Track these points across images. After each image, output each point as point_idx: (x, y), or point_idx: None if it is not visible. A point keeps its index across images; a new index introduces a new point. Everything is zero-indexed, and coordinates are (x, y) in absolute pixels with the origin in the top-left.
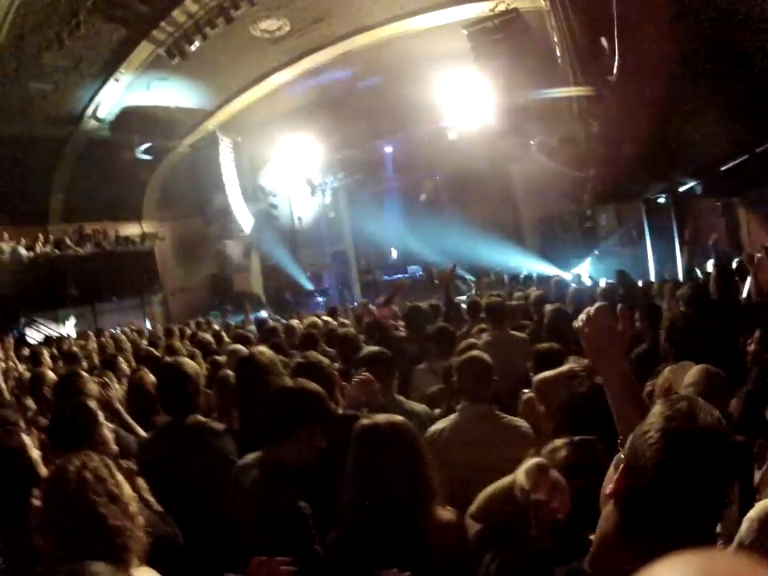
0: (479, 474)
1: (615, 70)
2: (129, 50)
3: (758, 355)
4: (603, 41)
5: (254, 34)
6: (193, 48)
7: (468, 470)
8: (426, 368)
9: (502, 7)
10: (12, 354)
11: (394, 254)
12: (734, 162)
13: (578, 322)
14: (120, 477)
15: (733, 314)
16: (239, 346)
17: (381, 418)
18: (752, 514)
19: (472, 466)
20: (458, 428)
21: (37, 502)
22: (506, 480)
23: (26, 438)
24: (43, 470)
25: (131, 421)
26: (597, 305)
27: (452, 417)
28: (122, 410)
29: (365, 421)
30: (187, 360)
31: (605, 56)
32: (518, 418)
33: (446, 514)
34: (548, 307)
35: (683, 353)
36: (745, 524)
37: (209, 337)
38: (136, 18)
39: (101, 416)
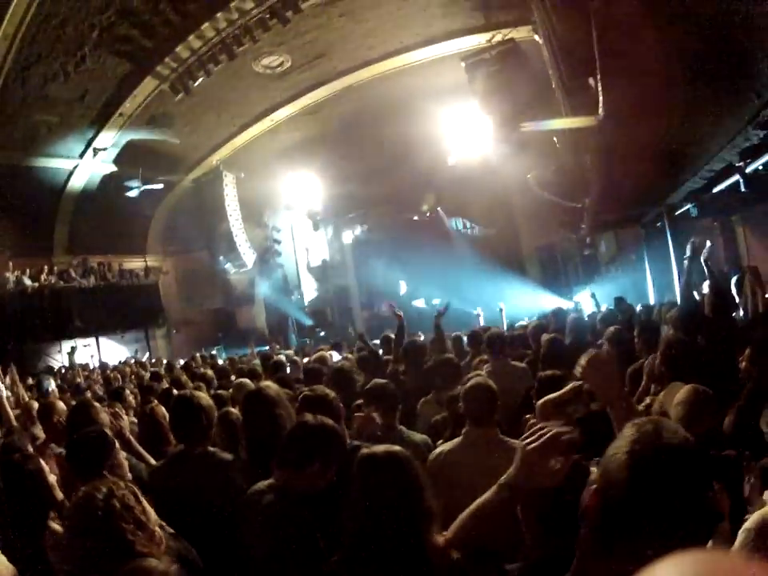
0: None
1: (601, 109)
2: (134, 85)
3: (749, 372)
4: (591, 80)
5: (256, 70)
6: (196, 84)
7: (471, 491)
8: (432, 399)
9: (498, 38)
10: (19, 382)
11: (403, 287)
12: (726, 184)
13: (577, 370)
14: (146, 504)
15: (728, 333)
16: (246, 380)
17: (379, 448)
18: (748, 524)
19: (475, 487)
20: (462, 450)
21: (54, 525)
22: (478, 502)
23: (43, 463)
24: (59, 494)
25: (142, 450)
26: (589, 352)
27: (457, 440)
28: (132, 439)
29: (364, 450)
30: (201, 393)
31: (592, 94)
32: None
33: (442, 539)
34: (544, 337)
35: (678, 374)
36: (741, 536)
37: (210, 372)
38: (141, 53)
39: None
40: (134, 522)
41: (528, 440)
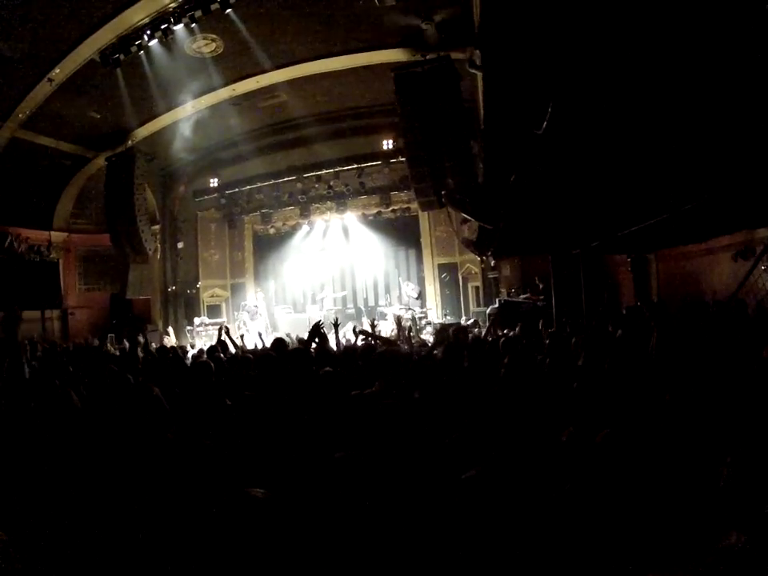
0: None
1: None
2: (68, 50)
3: None
4: None
5: (187, 53)
6: (126, 57)
7: None
8: None
9: (433, 55)
10: None
11: (309, 289)
12: (639, 226)
13: None
14: None
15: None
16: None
17: None
18: None
19: None
20: None
21: None
22: None
23: None
24: None
25: None
26: None
27: None
28: None
29: None
30: None
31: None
32: None
33: None
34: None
35: None
36: None
37: None
38: (84, 15)
39: None
40: None
41: None
